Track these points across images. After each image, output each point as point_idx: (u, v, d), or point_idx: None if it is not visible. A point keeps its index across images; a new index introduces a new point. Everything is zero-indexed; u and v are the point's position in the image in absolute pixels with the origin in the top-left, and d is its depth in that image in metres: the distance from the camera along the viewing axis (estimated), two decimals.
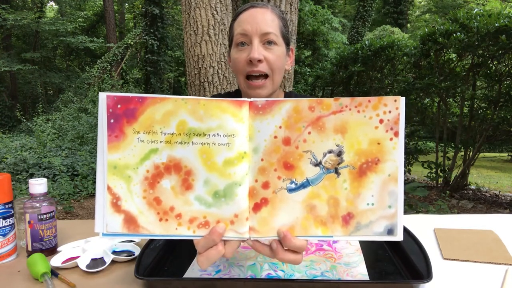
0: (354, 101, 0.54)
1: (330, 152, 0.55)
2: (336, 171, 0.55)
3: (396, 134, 0.54)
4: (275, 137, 0.55)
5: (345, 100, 0.54)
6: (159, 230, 0.55)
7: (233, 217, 0.55)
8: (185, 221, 0.55)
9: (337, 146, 0.55)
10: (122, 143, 0.54)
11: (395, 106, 0.54)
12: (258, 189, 0.55)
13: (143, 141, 0.54)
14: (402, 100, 0.54)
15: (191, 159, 0.54)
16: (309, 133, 0.55)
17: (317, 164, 0.55)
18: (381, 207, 0.55)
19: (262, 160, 0.55)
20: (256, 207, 0.55)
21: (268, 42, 0.89)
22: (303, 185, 0.55)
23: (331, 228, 0.55)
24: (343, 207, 0.55)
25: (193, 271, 0.70)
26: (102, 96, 0.54)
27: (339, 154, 0.55)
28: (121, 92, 9.36)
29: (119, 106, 0.54)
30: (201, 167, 0.54)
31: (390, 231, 0.55)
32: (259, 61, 0.88)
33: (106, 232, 0.55)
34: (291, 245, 0.55)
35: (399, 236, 0.56)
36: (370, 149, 0.55)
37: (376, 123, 0.54)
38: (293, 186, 0.55)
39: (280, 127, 0.55)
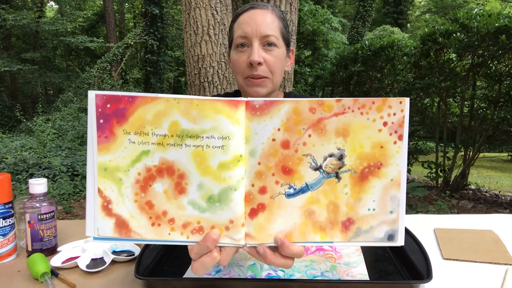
0: (357, 103, 0.52)
1: (331, 155, 0.53)
2: (337, 176, 0.53)
3: (400, 137, 0.52)
4: (273, 139, 0.52)
5: (348, 102, 0.52)
6: (151, 235, 0.53)
7: (228, 223, 0.52)
8: (178, 226, 0.53)
9: (338, 149, 0.53)
10: (112, 145, 0.52)
11: (400, 108, 0.52)
12: (255, 194, 0.53)
13: (134, 142, 0.52)
14: (407, 102, 0.52)
15: (184, 162, 0.52)
16: (309, 136, 0.52)
17: (317, 168, 0.53)
18: (383, 213, 0.54)
19: (259, 163, 0.52)
20: (253, 213, 0.53)
21: (268, 44, 0.89)
22: (302, 190, 0.53)
23: (330, 234, 0.54)
24: (343, 212, 0.54)
25: None
26: (91, 95, 0.51)
27: (341, 158, 0.53)
28: (121, 91, 9.42)
29: (108, 105, 0.51)
30: (194, 171, 0.52)
31: (390, 237, 0.54)
32: (259, 63, 0.88)
33: (97, 236, 0.53)
34: (288, 252, 0.53)
35: (400, 242, 0.54)
36: (373, 153, 0.53)
37: (380, 126, 0.52)
38: (291, 191, 0.53)
39: (279, 129, 0.52)
